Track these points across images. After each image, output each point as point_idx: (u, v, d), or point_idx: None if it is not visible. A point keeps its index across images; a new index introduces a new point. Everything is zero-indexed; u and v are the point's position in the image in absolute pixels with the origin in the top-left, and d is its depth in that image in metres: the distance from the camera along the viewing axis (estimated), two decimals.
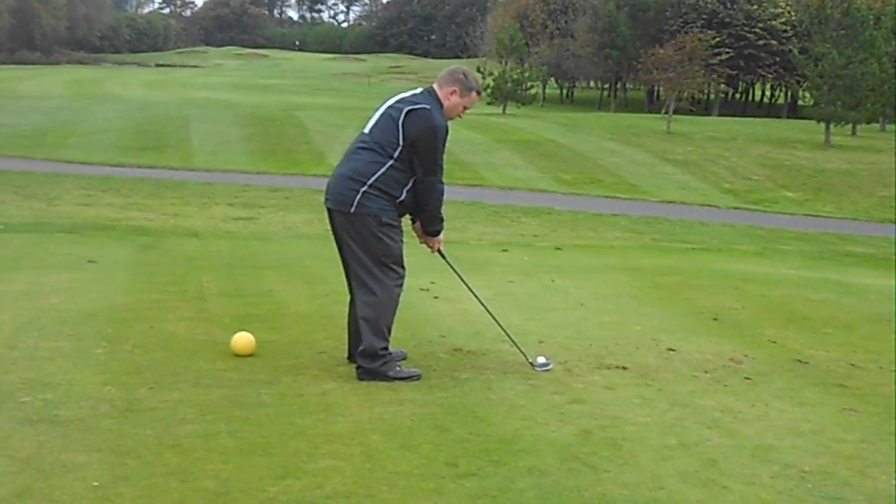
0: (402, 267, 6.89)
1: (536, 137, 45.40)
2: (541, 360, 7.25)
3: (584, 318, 9.14)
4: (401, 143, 6.66)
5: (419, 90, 6.99)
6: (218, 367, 6.78)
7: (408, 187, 6.76)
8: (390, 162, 6.69)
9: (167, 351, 7.13)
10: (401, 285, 6.89)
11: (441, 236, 7.16)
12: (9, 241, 13.25)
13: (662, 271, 13.41)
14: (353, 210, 6.69)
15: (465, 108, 7.01)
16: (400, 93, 7.04)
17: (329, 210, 6.88)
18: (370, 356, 6.73)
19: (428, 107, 6.74)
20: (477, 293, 7.59)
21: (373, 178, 6.68)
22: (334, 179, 6.87)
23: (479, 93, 7.09)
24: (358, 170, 6.75)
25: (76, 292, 9.13)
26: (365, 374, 6.73)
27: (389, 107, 6.86)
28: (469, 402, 6.30)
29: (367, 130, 6.89)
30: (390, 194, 6.71)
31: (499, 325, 7.51)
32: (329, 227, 7.00)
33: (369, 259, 6.76)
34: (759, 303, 10.76)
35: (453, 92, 6.92)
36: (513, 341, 7.42)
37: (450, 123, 6.88)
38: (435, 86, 6.97)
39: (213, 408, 5.93)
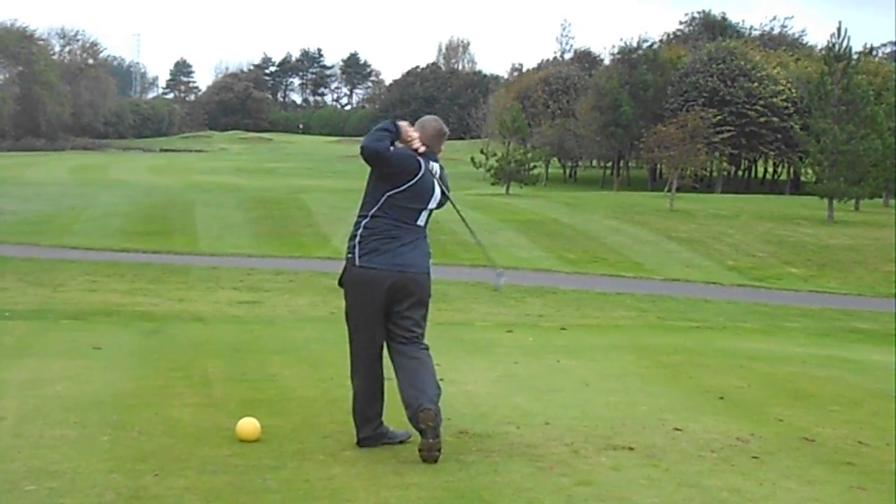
0: None
1: (540, 217, 45.53)
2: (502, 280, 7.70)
3: (589, 399, 9.11)
4: None
5: (438, 164, 7.31)
6: (223, 453, 6.76)
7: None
8: None
9: (172, 437, 7.12)
10: None
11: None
12: (13, 328, 13.28)
13: (668, 350, 13.39)
14: (430, 273, 7.17)
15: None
16: (433, 169, 7.21)
17: (420, 277, 7.10)
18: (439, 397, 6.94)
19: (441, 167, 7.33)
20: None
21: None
22: (412, 258, 7.08)
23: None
24: (427, 252, 7.22)
25: (81, 379, 9.13)
26: (440, 415, 6.83)
27: (441, 194, 7.20)
28: (475, 486, 6.28)
29: (421, 223, 7.18)
30: None
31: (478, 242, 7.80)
32: (370, 299, 7.04)
33: (425, 321, 7.24)
34: (765, 381, 10.73)
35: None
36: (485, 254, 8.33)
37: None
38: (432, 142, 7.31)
39: (219, 494, 5.91)
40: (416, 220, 7.07)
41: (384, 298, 6.97)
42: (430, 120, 7.37)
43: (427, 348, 7.10)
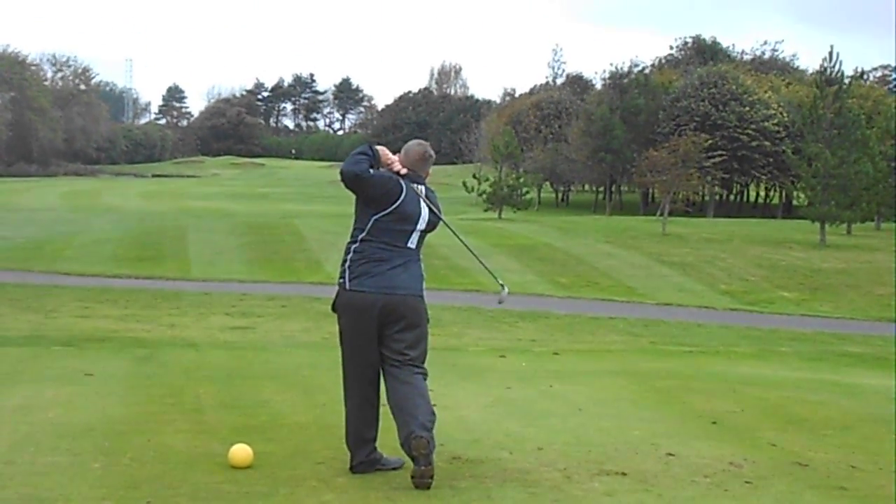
0: None
1: (533, 241, 45.58)
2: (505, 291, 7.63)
3: (582, 424, 9.10)
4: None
5: (425, 186, 7.31)
6: (216, 480, 6.74)
7: None
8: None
9: (165, 464, 7.10)
10: None
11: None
12: (5, 354, 13.24)
13: (661, 375, 13.38)
14: (423, 295, 7.15)
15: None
16: (418, 190, 7.23)
17: (409, 299, 7.06)
18: (433, 423, 6.87)
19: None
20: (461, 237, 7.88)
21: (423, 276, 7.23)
22: (403, 280, 7.07)
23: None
24: (419, 275, 7.18)
25: (73, 406, 9.11)
26: (433, 441, 6.78)
27: (430, 213, 7.17)
28: None
29: (412, 246, 7.15)
30: None
31: (478, 260, 8.11)
32: (362, 322, 7.04)
33: (425, 345, 7.17)
34: (757, 405, 10.73)
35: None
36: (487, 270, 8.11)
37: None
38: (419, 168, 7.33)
39: None
40: (407, 241, 7.07)
41: (376, 321, 6.97)
42: (414, 144, 7.39)
43: (423, 373, 7.06)
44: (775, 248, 45.95)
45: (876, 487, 7.33)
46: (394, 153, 7.21)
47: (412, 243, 7.08)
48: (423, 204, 7.10)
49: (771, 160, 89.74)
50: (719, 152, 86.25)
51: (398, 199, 6.96)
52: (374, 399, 7.13)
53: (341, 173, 6.88)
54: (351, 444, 7.09)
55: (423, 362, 7.13)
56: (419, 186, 7.15)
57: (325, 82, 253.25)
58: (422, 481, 6.63)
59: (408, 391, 6.90)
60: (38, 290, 27.18)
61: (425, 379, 7.07)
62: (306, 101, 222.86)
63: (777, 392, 11.99)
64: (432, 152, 7.38)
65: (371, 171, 6.92)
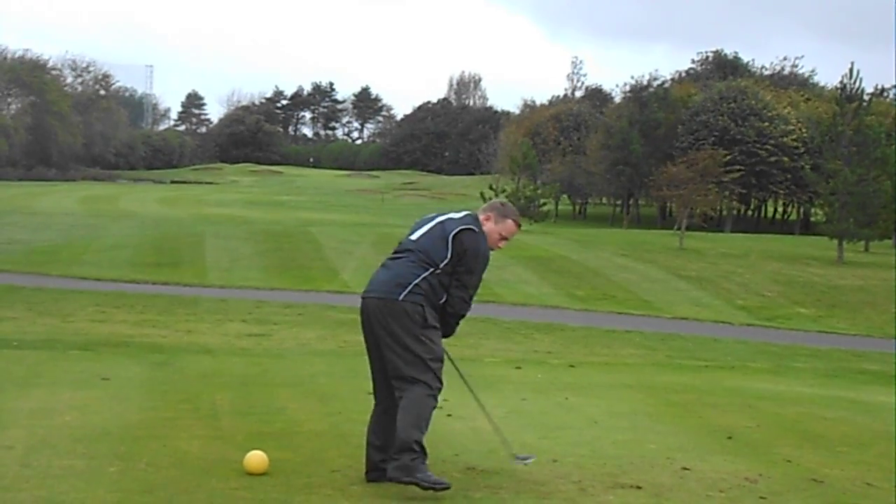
0: (440, 380, 7.06)
1: (549, 254, 45.48)
2: (523, 458, 7.44)
3: (598, 437, 9.10)
4: (448, 256, 7.02)
5: (465, 213, 7.35)
6: (231, 486, 6.76)
7: (444, 299, 7.09)
8: (433, 269, 7.01)
9: (180, 469, 7.12)
10: (435, 398, 7.03)
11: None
12: (23, 358, 13.29)
13: (676, 389, 13.36)
14: (401, 298, 6.93)
15: (501, 236, 7.41)
16: (449, 212, 7.39)
17: (371, 301, 7.04)
18: (406, 450, 6.75)
19: (476, 230, 7.15)
20: (486, 409, 7.67)
21: (417, 279, 6.96)
22: (378, 280, 7.11)
23: (516, 223, 7.48)
24: (401, 273, 7.01)
25: (89, 410, 9.14)
26: (396, 472, 6.72)
27: (440, 222, 7.21)
28: None
29: (414, 238, 7.18)
30: (431, 297, 7.01)
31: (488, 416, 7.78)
32: (361, 329, 7.09)
33: (411, 354, 6.91)
34: (773, 421, 10.70)
35: (487, 218, 7.35)
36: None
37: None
38: (478, 213, 7.42)
39: None
40: (410, 235, 7.25)
41: (368, 327, 7.07)
42: (511, 215, 7.58)
43: (415, 381, 6.92)
44: (792, 264, 45.82)
45: None
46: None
47: (414, 236, 7.22)
48: (437, 221, 7.24)
49: (789, 176, 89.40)
50: (737, 167, 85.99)
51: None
52: (390, 407, 7.11)
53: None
54: (368, 450, 7.11)
55: (416, 371, 6.93)
56: (451, 216, 7.31)
57: (345, 91, 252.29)
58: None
59: (395, 409, 6.97)
60: (55, 295, 27.22)
61: (427, 388, 6.95)
62: (325, 110, 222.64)
63: (793, 408, 11.97)
64: (501, 202, 7.61)
65: None
